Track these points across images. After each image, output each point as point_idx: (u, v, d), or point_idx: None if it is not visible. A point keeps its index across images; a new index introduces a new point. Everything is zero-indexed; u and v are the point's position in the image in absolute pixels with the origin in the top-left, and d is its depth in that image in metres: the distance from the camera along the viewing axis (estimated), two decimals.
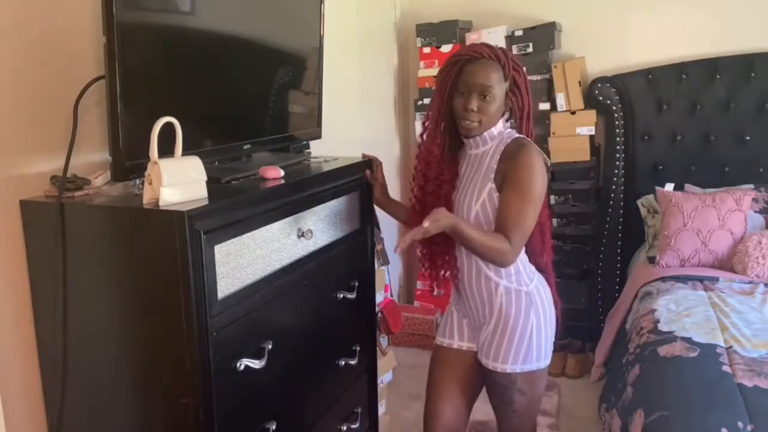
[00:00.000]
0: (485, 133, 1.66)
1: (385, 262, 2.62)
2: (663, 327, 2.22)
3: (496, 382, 1.73)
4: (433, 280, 1.84)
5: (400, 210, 2.04)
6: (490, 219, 1.64)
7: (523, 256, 1.71)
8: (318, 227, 1.78)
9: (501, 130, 1.69)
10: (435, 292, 1.95)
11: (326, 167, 1.92)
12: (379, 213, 2.16)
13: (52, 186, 1.46)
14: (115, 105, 1.36)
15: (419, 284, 3.63)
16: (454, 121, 1.68)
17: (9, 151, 1.44)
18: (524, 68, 1.68)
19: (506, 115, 1.71)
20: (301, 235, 1.69)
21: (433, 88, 3.30)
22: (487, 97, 1.60)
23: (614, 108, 3.22)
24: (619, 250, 3.26)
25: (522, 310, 1.68)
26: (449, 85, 1.64)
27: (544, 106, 3.25)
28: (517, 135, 1.68)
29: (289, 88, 2.08)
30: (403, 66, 3.72)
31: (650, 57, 3.23)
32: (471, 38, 3.30)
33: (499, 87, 1.60)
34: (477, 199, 1.65)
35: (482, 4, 3.48)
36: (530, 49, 3.23)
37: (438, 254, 1.77)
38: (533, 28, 3.24)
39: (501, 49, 1.65)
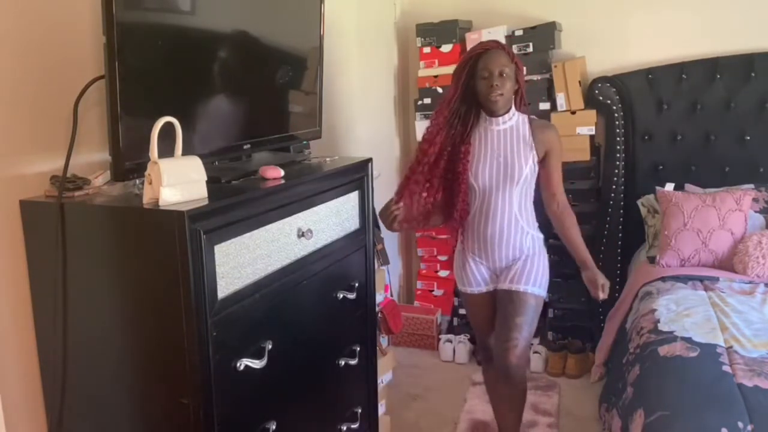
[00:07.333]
0: (510, 110, 2.09)
1: (385, 262, 2.62)
2: (663, 327, 2.22)
3: (525, 301, 2.10)
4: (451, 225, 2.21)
5: (430, 217, 2.20)
6: (533, 179, 2.12)
7: (534, 213, 2.18)
8: (318, 227, 1.78)
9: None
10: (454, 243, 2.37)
11: (326, 167, 1.92)
12: None
13: (52, 186, 1.46)
14: (115, 105, 1.36)
15: (419, 284, 3.63)
16: (468, 105, 2.06)
17: (9, 151, 1.44)
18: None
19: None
20: (301, 235, 1.69)
21: (434, 87, 3.38)
22: (504, 75, 2.00)
23: (614, 108, 3.22)
24: (619, 250, 3.26)
25: (540, 250, 2.20)
26: (466, 74, 2.02)
27: (544, 105, 3.24)
28: (521, 113, 2.13)
29: (289, 88, 2.08)
30: (403, 66, 3.71)
31: (650, 57, 3.22)
32: (471, 38, 3.30)
33: (509, 69, 2.01)
34: (525, 163, 2.07)
35: (482, 4, 3.48)
36: (530, 49, 3.22)
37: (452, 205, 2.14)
38: (533, 27, 3.23)
39: (501, 42, 2.11)
